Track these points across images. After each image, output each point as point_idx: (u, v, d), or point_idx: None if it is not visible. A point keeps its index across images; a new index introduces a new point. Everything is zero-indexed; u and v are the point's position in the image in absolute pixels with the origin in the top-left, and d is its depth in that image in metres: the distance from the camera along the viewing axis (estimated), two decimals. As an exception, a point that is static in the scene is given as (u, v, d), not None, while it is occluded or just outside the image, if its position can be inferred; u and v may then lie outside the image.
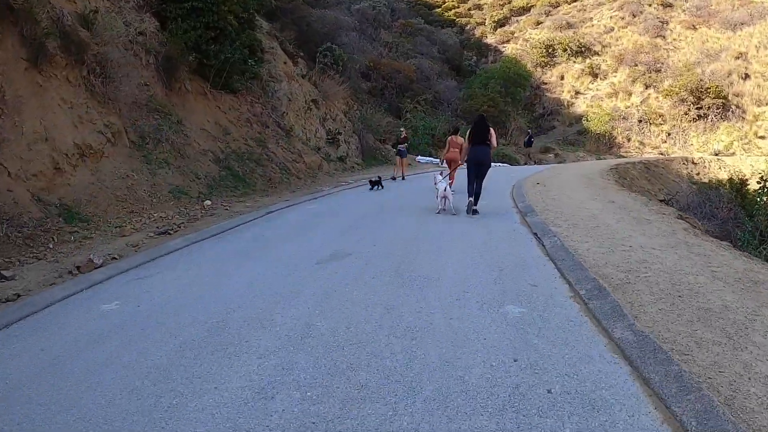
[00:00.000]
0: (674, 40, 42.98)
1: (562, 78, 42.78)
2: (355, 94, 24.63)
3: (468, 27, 53.14)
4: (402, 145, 15.99)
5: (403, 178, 16.16)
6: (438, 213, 8.92)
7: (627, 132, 35.37)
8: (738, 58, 36.99)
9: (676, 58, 39.60)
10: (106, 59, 11.19)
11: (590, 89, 41.21)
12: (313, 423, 2.61)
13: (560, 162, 30.32)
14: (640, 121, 35.48)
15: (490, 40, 50.47)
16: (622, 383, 3.02)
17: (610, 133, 34.93)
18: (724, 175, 21.36)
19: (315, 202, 11.07)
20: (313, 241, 6.91)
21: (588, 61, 42.59)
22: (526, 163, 23.68)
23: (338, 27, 24.24)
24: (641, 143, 34.67)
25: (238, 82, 15.80)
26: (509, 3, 54.46)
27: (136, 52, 13.06)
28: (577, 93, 41.04)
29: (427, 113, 28.32)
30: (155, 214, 9.02)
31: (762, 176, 11.85)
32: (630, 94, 38.43)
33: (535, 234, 6.69)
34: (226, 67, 14.59)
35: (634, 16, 46.73)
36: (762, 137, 31.79)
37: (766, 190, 11.56)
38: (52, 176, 8.73)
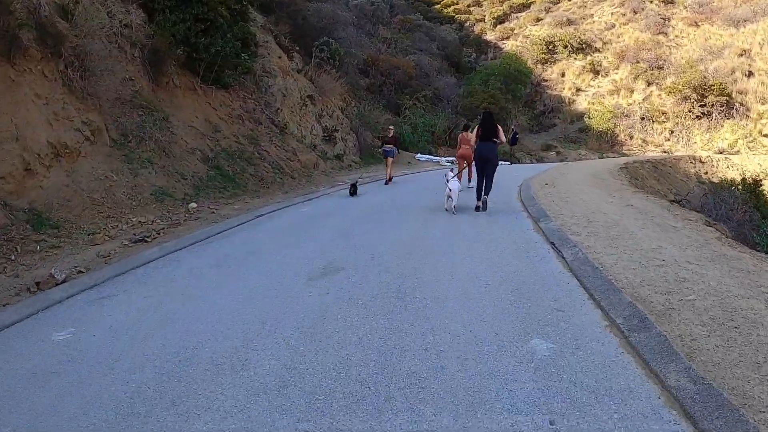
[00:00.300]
0: (676, 37, 42.38)
1: (563, 75, 42.17)
2: (352, 90, 23.90)
3: (467, 24, 52.47)
4: (389, 145, 14.15)
5: (386, 182, 14.19)
6: (446, 210, 8.85)
7: (629, 130, 34.78)
8: (741, 55, 36.41)
9: (679, 55, 39.01)
10: (85, 52, 10.44)
11: (591, 86, 40.61)
12: None
13: (562, 160, 29.66)
14: (642, 119, 34.88)
15: (490, 36, 49.81)
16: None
17: (613, 131, 34.31)
18: (732, 175, 20.75)
19: (309, 204, 10.37)
20: (304, 250, 6.21)
21: (589, 57, 41.99)
22: (512, 163, 22.66)
23: (335, 21, 23.47)
24: (644, 141, 34.05)
25: (230, 76, 15.06)
26: (509, -1, 53.73)
27: (121, 45, 12.34)
28: (578, 90, 40.44)
29: (427, 110, 27.61)
30: (134, 219, 8.30)
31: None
32: (632, 92, 37.83)
33: (552, 244, 6.00)
34: (217, 61, 13.86)
35: (636, 12, 46.14)
36: (767, 135, 31.18)
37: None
38: (22, 178, 7.98)
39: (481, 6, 54.57)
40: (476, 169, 9.01)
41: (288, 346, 3.47)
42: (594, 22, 47.54)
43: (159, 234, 7.49)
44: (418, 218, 8.27)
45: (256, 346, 3.49)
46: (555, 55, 43.23)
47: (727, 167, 23.81)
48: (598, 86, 40.19)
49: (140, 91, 12.02)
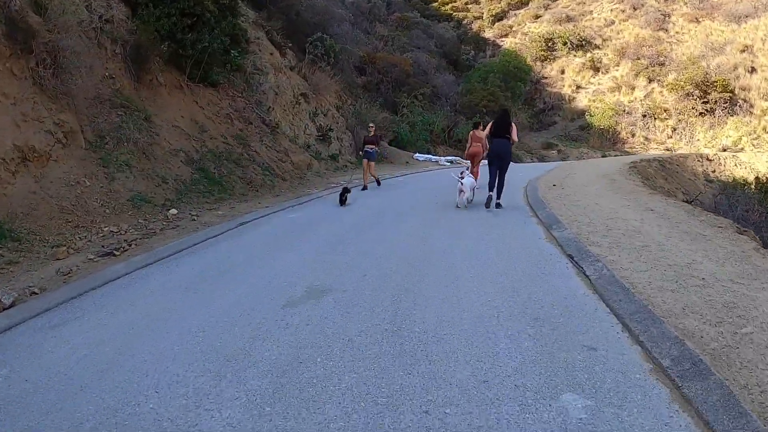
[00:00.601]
0: (677, 33, 41.73)
1: (563, 72, 41.52)
2: (348, 88, 23.16)
3: (465, 21, 51.74)
4: (370, 146, 12.38)
5: (365, 187, 12.35)
6: (457, 207, 8.97)
7: (631, 127, 34.15)
8: (743, 51, 35.77)
9: (680, 51, 38.35)
10: (59, 48, 9.70)
11: (592, 83, 39.98)
12: None
13: (563, 158, 28.99)
14: (644, 116, 34.26)
15: (488, 34, 49.13)
16: None
17: (614, 129, 33.66)
18: (740, 173, 20.09)
19: (299, 209, 9.63)
20: (287, 267, 5.48)
21: (589, 54, 41.34)
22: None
23: (330, 17, 22.71)
24: (646, 138, 33.43)
25: (219, 74, 14.35)
26: (507, -4, 52.99)
27: (101, 42, 11.64)
28: (579, 87, 39.81)
29: (425, 108, 26.87)
30: (106, 228, 7.58)
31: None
32: (633, 89, 37.21)
33: (571, 257, 5.28)
34: (205, 58, 13.14)
35: (635, 9, 45.50)
36: (772, 133, 30.56)
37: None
38: (-17, 185, 7.31)
39: (479, 3, 53.84)
40: (489, 165, 8.94)
41: (250, 403, 2.74)
42: (593, 18, 46.91)
43: (130, 246, 6.77)
44: (418, 226, 7.56)
45: (210, 405, 2.75)
46: (554, 52, 42.57)
47: (735, 165, 23.12)
48: (599, 83, 39.56)
49: (121, 90, 11.33)
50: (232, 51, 14.48)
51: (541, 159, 28.95)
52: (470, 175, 9.27)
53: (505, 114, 9.13)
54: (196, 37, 12.69)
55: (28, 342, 3.86)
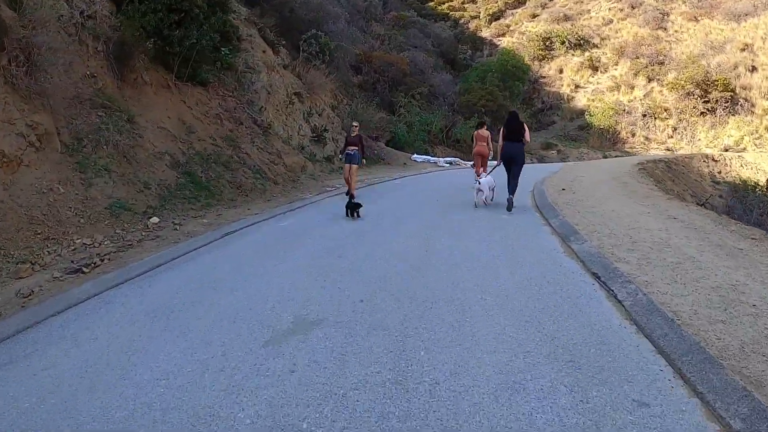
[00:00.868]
0: (676, 32, 41.30)
1: (561, 71, 41.03)
2: (344, 87, 22.52)
3: (462, 20, 51.17)
4: (352, 147, 10.61)
5: (347, 194, 10.37)
6: (475, 206, 9.08)
7: (631, 127, 33.65)
8: (744, 50, 35.34)
9: (679, 50, 37.88)
10: (33, 45, 9.05)
11: (590, 83, 39.49)
12: None
13: (563, 159, 28.42)
14: (644, 116, 33.78)
15: (485, 33, 48.58)
16: None
17: (614, 128, 33.13)
18: (746, 173, 19.57)
19: (290, 216, 8.98)
20: (273, 287, 4.83)
21: (587, 53, 40.86)
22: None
23: (325, 14, 22.04)
24: (646, 138, 32.93)
25: (209, 72, 13.72)
26: (504, -5, 52.45)
27: (82, 38, 11.02)
28: (577, 87, 39.31)
29: (423, 108, 26.25)
30: (78, 241, 6.93)
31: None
32: (632, 88, 36.73)
33: (596, 276, 4.66)
34: (193, 55, 12.50)
35: (633, 7, 45.08)
36: (774, 132, 30.09)
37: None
38: (-57, 193, 6.67)
39: (476, 3, 53.28)
40: (505, 168, 9.01)
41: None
42: (591, 17, 46.46)
43: (103, 261, 6.12)
44: (421, 238, 6.76)
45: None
46: (552, 52, 42.06)
47: (741, 166, 22.58)
48: (597, 82, 39.06)
49: (103, 89, 10.68)
50: (223, 49, 13.87)
51: (541, 159, 28.36)
52: (488, 175, 9.30)
53: (515, 116, 9.16)
54: (184, 34, 12.07)
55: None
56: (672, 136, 32.72)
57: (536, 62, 41.35)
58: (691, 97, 32.25)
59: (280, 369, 3.16)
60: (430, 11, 50.87)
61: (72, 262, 6.12)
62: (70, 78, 9.86)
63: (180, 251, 6.37)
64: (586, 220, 6.76)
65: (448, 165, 21.60)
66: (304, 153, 15.53)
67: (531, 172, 15.37)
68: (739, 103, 31.65)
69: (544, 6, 49.87)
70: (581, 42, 41.85)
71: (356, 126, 11.25)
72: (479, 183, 9.05)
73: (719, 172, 21.59)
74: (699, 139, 31.35)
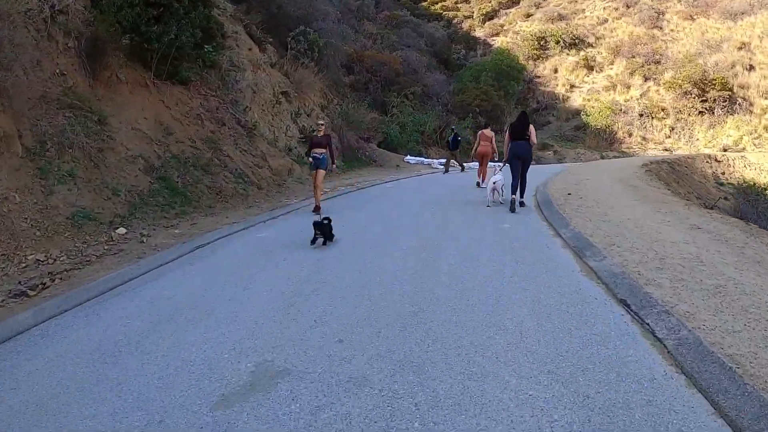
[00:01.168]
0: (672, 31, 40.85)
1: (556, 71, 40.48)
2: (335, 86, 21.77)
3: (455, 20, 50.57)
4: (318, 150, 9.19)
5: (317, 210, 9.14)
6: (488, 206, 9.07)
7: (628, 127, 33.12)
8: (741, 48, 34.93)
9: (676, 49, 37.41)
10: (-7, 41, 8.28)
11: (586, 82, 38.96)
12: None
13: (560, 160, 27.79)
14: (641, 115, 33.26)
15: (479, 33, 48.01)
16: None
17: (611, 128, 32.55)
18: (750, 174, 18.99)
19: (271, 225, 8.17)
20: (234, 323, 4.01)
21: (582, 53, 40.33)
22: (446, 171, 17.92)
23: (315, 10, 21.27)
24: (644, 138, 32.39)
25: (190, 70, 12.94)
26: (498, -6, 51.87)
27: (52, 34, 10.30)
28: (573, 86, 38.77)
29: (416, 108, 25.53)
30: (32, 256, 6.14)
31: None
32: (629, 87, 36.21)
33: (625, 304, 3.90)
34: (172, 52, 11.73)
35: (628, 6, 44.62)
36: (773, 132, 29.60)
37: None
38: None
39: (469, 2, 52.67)
40: (511, 168, 8.96)
41: None
42: (586, 17, 45.99)
43: (54, 281, 5.35)
44: (416, 258, 5.72)
45: None
46: (547, 51, 41.53)
47: (744, 166, 21.99)
48: (593, 82, 38.53)
49: (73, 88, 9.94)
50: (206, 46, 13.12)
51: (537, 160, 27.70)
52: (498, 173, 9.33)
53: (523, 116, 9.11)
54: (163, 30, 11.32)
55: None
56: (670, 136, 32.20)
57: (531, 62, 40.79)
58: (689, 96, 31.73)
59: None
60: (424, 11, 50.23)
61: (19, 282, 5.34)
62: (36, 76, 9.16)
63: (141, 269, 5.58)
64: (601, 231, 6.01)
65: (441, 166, 20.90)
66: (291, 155, 14.75)
67: (531, 175, 14.62)
68: (738, 103, 31.16)
69: (538, 5, 49.34)
70: (576, 41, 41.32)
71: (322, 124, 10.04)
72: (494, 183, 9.10)
73: (722, 173, 21.01)
74: (697, 139, 30.85)
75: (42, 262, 6.08)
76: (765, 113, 30.60)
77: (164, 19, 11.37)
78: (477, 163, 13.36)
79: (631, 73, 36.71)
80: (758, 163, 22.20)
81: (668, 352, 3.14)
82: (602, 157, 27.57)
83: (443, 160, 21.93)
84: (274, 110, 15.32)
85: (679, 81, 31.86)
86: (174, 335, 3.78)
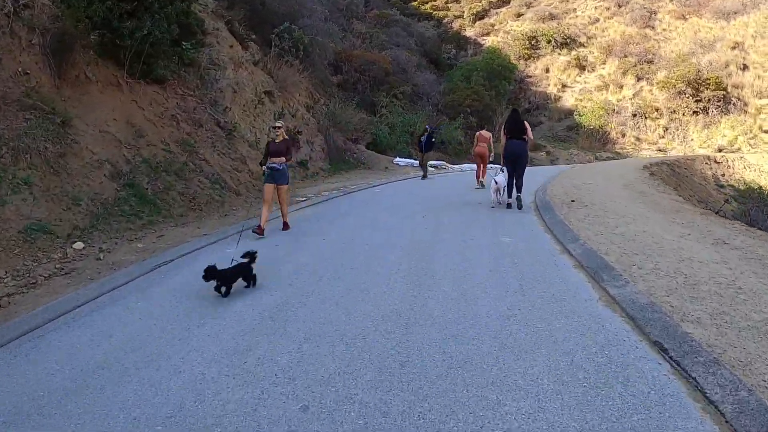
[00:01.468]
0: (664, 30, 40.58)
1: (548, 71, 40.05)
2: (321, 85, 21.03)
3: (446, 20, 50.03)
4: (277, 160, 7.52)
5: (259, 229, 7.36)
6: (492, 206, 9.04)
7: (621, 127, 32.70)
8: (734, 48, 34.64)
9: (668, 49, 37.09)
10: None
11: (578, 82, 38.55)
12: None
13: (553, 161, 27.24)
14: (634, 115, 32.87)
15: (469, 33, 47.53)
16: None
17: (604, 129, 32.08)
18: (750, 176, 18.52)
19: (244, 238, 7.31)
20: (179, 373, 3.24)
21: (574, 52, 39.92)
22: (425, 176, 16.33)
23: (300, 7, 20.51)
24: (637, 139, 31.98)
25: (166, 68, 12.14)
26: (488, -7, 51.37)
27: (15, 30, 9.57)
28: (564, 86, 38.35)
29: (406, 108, 24.84)
30: (-34, 277, 5.38)
31: None
32: (621, 87, 35.84)
33: (661, 348, 3.19)
34: (146, 49, 10.96)
35: (620, 6, 44.34)
36: (767, 131, 29.26)
37: None
38: None
39: (459, 2, 52.13)
40: (507, 168, 8.87)
41: None
42: (577, 16, 45.67)
43: (-15, 309, 4.59)
44: (408, 282, 4.85)
45: None
46: (538, 51, 41.11)
47: (744, 168, 21.53)
48: (585, 82, 38.11)
49: (37, 88, 9.24)
50: (184, 43, 12.34)
51: (530, 162, 27.15)
52: (501, 174, 9.15)
53: (515, 114, 9.00)
54: (137, 25, 10.55)
55: None
56: (663, 136, 31.80)
57: (522, 61, 40.34)
58: (683, 96, 31.33)
59: None
60: (413, 11, 49.62)
61: (-59, 312, 4.58)
62: (-4, 76, 8.46)
63: (90, 294, 4.81)
64: (616, 247, 5.30)
65: (433, 168, 20.20)
66: (275, 158, 14.00)
67: (526, 178, 13.95)
68: (732, 102, 30.81)
69: (528, 5, 48.94)
70: (567, 41, 40.92)
71: (280, 127, 7.85)
72: (496, 183, 8.98)
73: (722, 175, 20.54)
74: (692, 139, 30.46)
75: (-21, 284, 5.32)
76: (760, 113, 30.27)
77: (138, 14, 10.62)
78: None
79: (624, 73, 36.34)
80: (758, 164, 21.77)
81: (726, 421, 2.44)
82: (596, 158, 27.05)
83: (435, 163, 21.21)
84: (256, 110, 14.57)
85: (673, 80, 31.46)
86: (103, 392, 3.02)
